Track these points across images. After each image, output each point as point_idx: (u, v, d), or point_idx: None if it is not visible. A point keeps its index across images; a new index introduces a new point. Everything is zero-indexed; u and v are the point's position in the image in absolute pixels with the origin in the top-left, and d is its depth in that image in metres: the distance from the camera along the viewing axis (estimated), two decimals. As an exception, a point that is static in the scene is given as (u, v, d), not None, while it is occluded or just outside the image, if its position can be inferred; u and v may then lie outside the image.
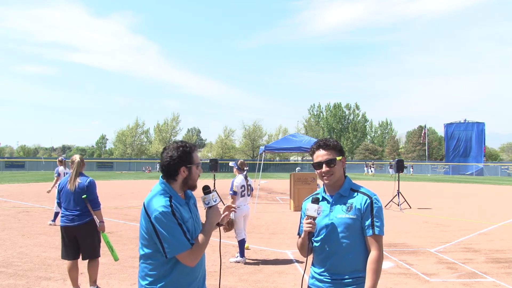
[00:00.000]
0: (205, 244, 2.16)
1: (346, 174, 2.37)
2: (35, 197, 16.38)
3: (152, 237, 2.07)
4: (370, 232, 2.17)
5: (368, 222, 2.18)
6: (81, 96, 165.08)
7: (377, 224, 2.18)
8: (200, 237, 2.16)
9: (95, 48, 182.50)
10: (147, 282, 2.13)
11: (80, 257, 4.78)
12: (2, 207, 12.89)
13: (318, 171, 2.30)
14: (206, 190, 2.27)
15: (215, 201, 2.26)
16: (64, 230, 4.71)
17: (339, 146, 2.33)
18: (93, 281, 4.77)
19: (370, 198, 2.21)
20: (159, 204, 2.07)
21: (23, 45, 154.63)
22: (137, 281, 5.23)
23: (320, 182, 14.58)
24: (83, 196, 4.70)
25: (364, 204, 2.20)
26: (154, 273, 2.12)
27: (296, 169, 57.56)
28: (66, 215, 4.71)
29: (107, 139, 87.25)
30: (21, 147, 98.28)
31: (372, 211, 2.19)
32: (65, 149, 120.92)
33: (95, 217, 4.77)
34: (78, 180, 4.74)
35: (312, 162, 2.36)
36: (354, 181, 2.38)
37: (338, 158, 2.28)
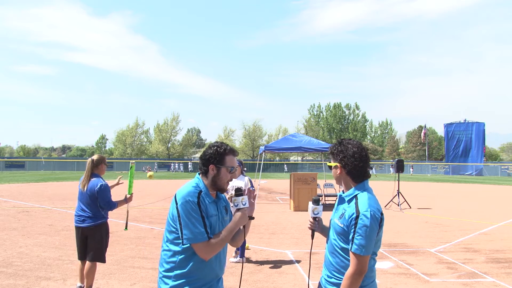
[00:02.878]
0: (223, 241, 2.20)
1: (363, 179, 2.29)
2: (35, 197, 16.37)
3: (176, 223, 2.17)
4: (350, 246, 2.14)
5: (350, 236, 2.14)
6: (80, 96, 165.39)
7: (356, 241, 2.10)
8: (220, 233, 2.22)
9: (95, 48, 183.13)
10: (164, 269, 2.22)
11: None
12: (2, 207, 12.89)
13: None
14: (238, 192, 2.32)
15: (244, 204, 2.29)
16: (76, 230, 4.72)
17: (333, 154, 2.37)
18: (88, 286, 4.67)
19: (358, 212, 2.13)
20: (188, 193, 2.19)
21: (23, 45, 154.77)
22: (137, 281, 5.27)
23: (320, 182, 14.58)
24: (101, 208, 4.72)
25: (350, 217, 2.16)
26: (172, 260, 2.19)
27: (285, 168, 57.44)
28: (78, 215, 4.71)
29: (107, 139, 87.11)
30: (21, 147, 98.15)
31: (355, 227, 2.11)
32: (65, 149, 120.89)
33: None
34: (89, 182, 4.67)
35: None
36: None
37: (330, 164, 2.40)
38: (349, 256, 2.17)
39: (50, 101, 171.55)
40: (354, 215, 2.13)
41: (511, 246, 7.77)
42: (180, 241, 2.15)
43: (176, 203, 2.18)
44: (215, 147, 2.33)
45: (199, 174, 2.36)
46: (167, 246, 2.22)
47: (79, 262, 4.77)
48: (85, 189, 4.64)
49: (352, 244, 2.12)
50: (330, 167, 2.40)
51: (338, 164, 2.31)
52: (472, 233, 9.23)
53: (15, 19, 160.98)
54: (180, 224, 2.14)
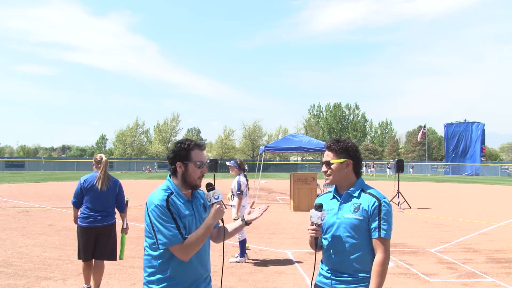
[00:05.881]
0: (200, 239, 2.14)
1: (361, 175, 2.38)
2: (35, 197, 16.38)
3: (150, 230, 2.16)
4: (376, 234, 2.18)
5: (374, 224, 2.18)
6: (80, 96, 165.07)
7: (384, 227, 2.17)
8: (196, 232, 2.16)
9: (94, 48, 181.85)
10: (146, 274, 2.22)
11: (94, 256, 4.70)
12: (2, 207, 12.89)
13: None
14: (209, 187, 2.25)
15: (216, 198, 2.21)
16: (86, 230, 4.60)
17: (343, 149, 2.32)
18: (97, 285, 4.68)
19: (379, 200, 2.21)
20: (157, 198, 2.16)
21: (23, 45, 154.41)
22: (137, 281, 5.27)
23: (320, 182, 14.58)
24: (126, 199, 4.85)
25: (372, 206, 2.20)
26: (152, 265, 2.19)
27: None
28: (91, 215, 4.60)
29: (107, 139, 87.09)
30: (21, 147, 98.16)
31: (379, 214, 2.18)
32: (65, 149, 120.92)
33: (120, 220, 4.86)
34: (110, 180, 4.72)
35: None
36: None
37: (336, 160, 2.31)
38: (363, 248, 2.20)
39: (50, 101, 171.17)
40: (376, 203, 2.20)
41: (511, 246, 7.77)
42: (156, 246, 2.13)
43: (147, 210, 2.16)
44: (179, 144, 2.29)
45: (169, 176, 2.31)
46: (147, 251, 2.22)
47: (83, 263, 4.71)
48: (107, 187, 4.68)
49: (379, 230, 2.17)
50: (326, 164, 2.33)
51: (348, 160, 2.32)
52: (472, 233, 9.24)
53: (15, 19, 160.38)
54: (153, 230, 2.12)
